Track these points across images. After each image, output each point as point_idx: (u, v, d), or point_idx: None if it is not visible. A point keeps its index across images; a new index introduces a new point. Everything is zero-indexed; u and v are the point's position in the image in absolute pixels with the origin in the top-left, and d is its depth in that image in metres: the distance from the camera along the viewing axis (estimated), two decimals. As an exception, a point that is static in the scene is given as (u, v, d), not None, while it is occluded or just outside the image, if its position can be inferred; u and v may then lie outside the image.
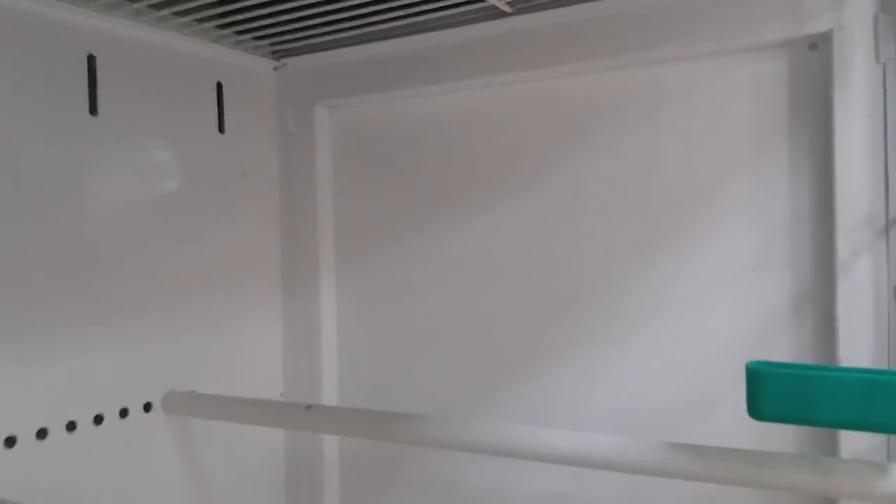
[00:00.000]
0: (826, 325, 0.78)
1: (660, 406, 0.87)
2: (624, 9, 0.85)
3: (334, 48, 1.04)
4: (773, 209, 0.81)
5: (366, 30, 0.95)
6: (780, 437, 0.79)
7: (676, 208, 0.86)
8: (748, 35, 0.80)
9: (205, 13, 0.88)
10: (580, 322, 0.92)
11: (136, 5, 0.84)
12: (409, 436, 0.76)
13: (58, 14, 0.81)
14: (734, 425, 0.78)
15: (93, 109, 0.84)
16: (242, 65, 1.05)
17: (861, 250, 0.74)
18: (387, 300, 1.06)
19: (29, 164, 0.78)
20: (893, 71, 0.74)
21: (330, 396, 1.09)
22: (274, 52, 1.08)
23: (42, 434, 0.79)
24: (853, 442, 0.73)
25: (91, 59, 0.84)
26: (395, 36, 0.99)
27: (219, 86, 1.01)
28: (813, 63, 0.79)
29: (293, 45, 1.03)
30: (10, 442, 0.76)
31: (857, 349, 0.73)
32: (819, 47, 0.79)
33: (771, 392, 0.56)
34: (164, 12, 0.86)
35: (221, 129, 1.01)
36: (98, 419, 0.84)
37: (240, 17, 0.89)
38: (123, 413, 0.87)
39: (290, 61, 1.09)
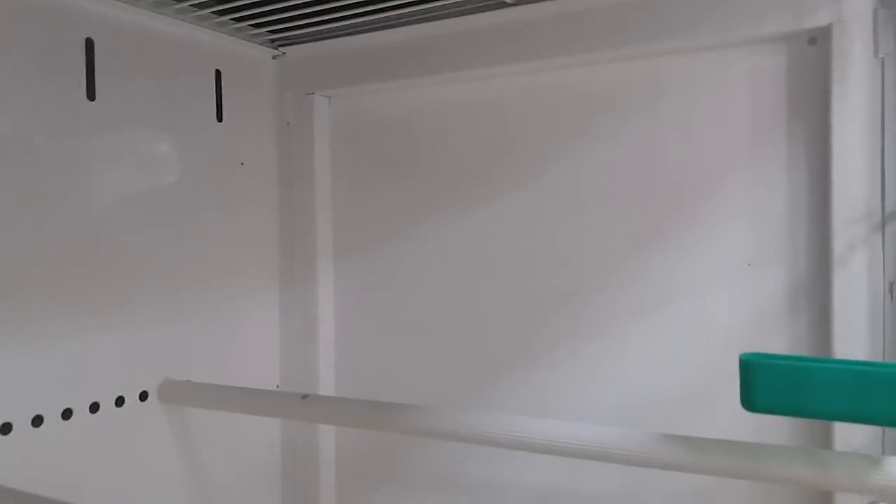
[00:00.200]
0: (822, 320, 0.78)
1: (656, 399, 0.87)
2: (624, 1, 0.85)
3: (334, 37, 1.03)
4: (771, 203, 0.82)
5: (365, 18, 0.95)
6: (776, 430, 0.79)
7: (675, 201, 0.87)
8: (747, 28, 0.80)
9: None
10: (577, 315, 0.92)
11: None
12: (405, 426, 0.77)
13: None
14: (730, 419, 0.79)
15: (90, 95, 0.84)
16: (241, 53, 1.05)
17: (857, 245, 0.74)
18: (384, 291, 1.06)
19: (26, 150, 0.77)
20: (892, 65, 0.74)
21: (327, 387, 1.09)
22: (273, 41, 1.07)
23: (38, 421, 0.78)
24: (848, 434, 0.74)
25: (89, 44, 0.84)
26: (396, 25, 0.98)
27: (217, 73, 1.01)
28: (812, 57, 0.80)
29: (292, 32, 1.02)
30: (6, 428, 0.75)
31: (852, 343, 0.74)
32: (818, 41, 0.79)
33: (764, 383, 0.56)
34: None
35: (220, 118, 1.01)
36: (94, 407, 0.84)
37: (237, 3, 0.88)
38: (119, 401, 0.87)
39: (289, 50, 1.09)
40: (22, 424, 0.77)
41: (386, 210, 1.06)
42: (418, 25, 0.97)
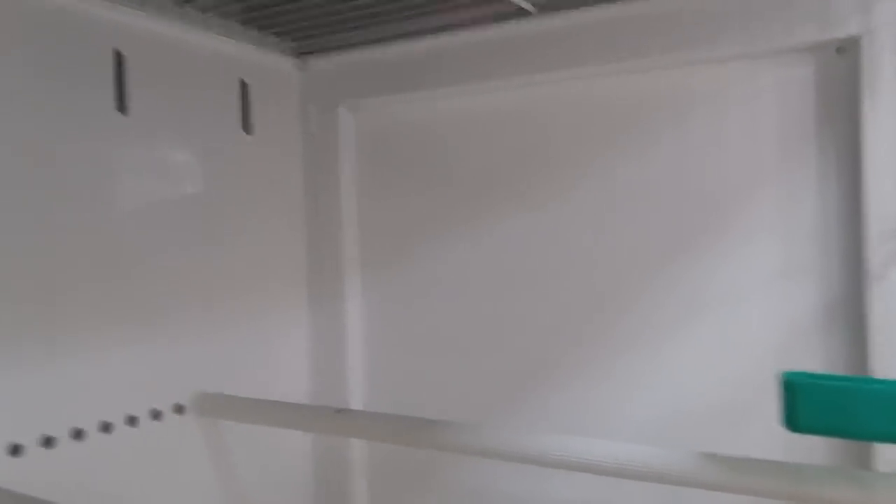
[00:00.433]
0: (856, 335, 0.78)
1: (688, 413, 0.87)
2: (650, 10, 0.85)
3: (357, 47, 1.03)
4: (802, 215, 0.82)
5: (389, 29, 0.95)
6: (810, 446, 0.79)
7: (705, 212, 0.87)
8: (775, 39, 0.80)
9: (226, 7, 0.87)
10: (609, 329, 0.92)
11: (161, 0, 0.83)
12: (443, 443, 0.77)
13: (85, 8, 0.80)
14: (763, 434, 0.78)
15: (120, 107, 0.84)
16: (266, 63, 1.04)
17: (893, 259, 0.74)
18: (413, 303, 1.07)
19: (56, 163, 0.78)
20: (924, 75, 0.74)
21: (356, 399, 1.09)
22: (297, 51, 1.07)
23: (78, 435, 0.79)
24: (891, 453, 0.73)
25: (118, 56, 0.84)
26: (420, 36, 0.98)
27: (243, 84, 1.01)
28: (841, 67, 0.80)
29: (315, 42, 1.02)
30: (49, 442, 0.76)
31: (891, 359, 0.73)
32: (847, 51, 0.79)
33: (808, 404, 0.56)
34: (187, 8, 0.86)
35: (247, 130, 1.01)
36: (132, 420, 0.85)
37: (261, 12, 0.88)
38: (156, 414, 0.88)
39: (313, 60, 1.08)
40: (64, 438, 0.78)
41: (413, 221, 1.06)
42: (443, 36, 0.97)
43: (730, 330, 0.85)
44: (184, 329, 0.91)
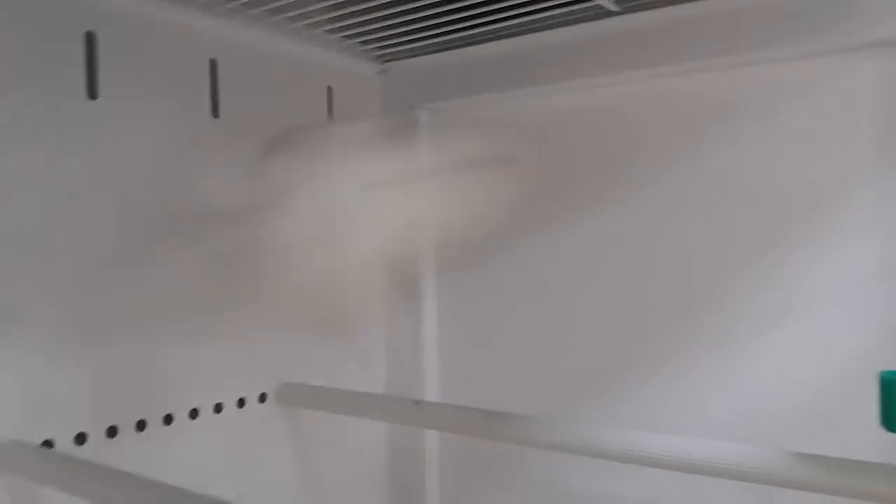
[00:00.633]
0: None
1: (773, 415, 0.84)
2: (736, 5, 0.83)
3: (437, 51, 1.06)
4: (892, 214, 0.78)
5: (470, 32, 0.97)
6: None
7: (794, 212, 0.84)
8: (871, 31, 0.77)
9: (316, 18, 0.91)
10: (692, 327, 0.90)
11: (253, 11, 0.88)
12: (520, 435, 0.77)
13: (183, 20, 0.86)
14: (852, 437, 0.75)
15: (215, 112, 0.89)
16: (349, 69, 1.08)
17: None
18: (489, 299, 1.07)
19: (153, 164, 0.83)
20: None
21: (430, 392, 1.11)
22: (378, 56, 1.11)
23: (168, 420, 0.83)
24: None
25: (213, 64, 0.89)
26: (499, 38, 1.00)
27: (329, 90, 1.05)
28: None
29: (397, 48, 1.05)
30: (141, 426, 0.81)
31: None
32: (951, 42, 0.75)
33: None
34: (279, 18, 0.90)
35: (330, 132, 1.05)
36: (218, 407, 0.89)
37: (348, 21, 0.92)
38: (241, 402, 0.91)
39: (394, 65, 1.12)
40: (155, 423, 0.82)
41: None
42: (522, 37, 0.98)
43: (819, 330, 0.82)
44: (271, 323, 0.95)
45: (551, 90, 0.99)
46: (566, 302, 1.00)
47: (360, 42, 1.02)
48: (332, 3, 0.84)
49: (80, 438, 0.75)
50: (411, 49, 1.06)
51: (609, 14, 0.90)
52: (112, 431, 0.78)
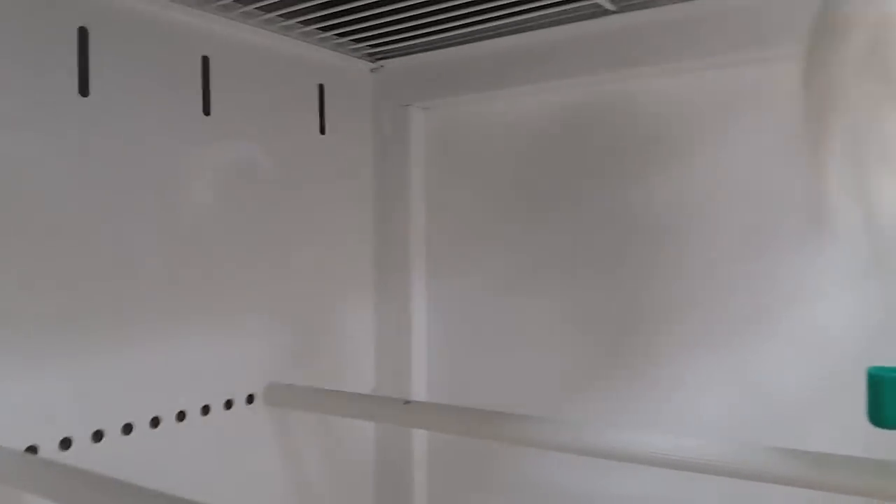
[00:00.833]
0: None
1: (762, 412, 0.85)
2: (734, 5, 0.83)
3: (431, 49, 1.05)
4: (888, 210, 0.78)
5: (464, 30, 0.96)
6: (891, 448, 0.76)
7: (787, 209, 0.84)
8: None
9: (309, 16, 0.90)
10: (681, 324, 0.90)
11: (246, 8, 0.87)
12: (511, 435, 0.77)
13: (175, 16, 0.84)
14: (841, 433, 0.76)
15: (206, 110, 0.87)
16: (341, 66, 1.07)
17: None
18: (479, 298, 1.07)
19: (143, 162, 0.81)
20: None
21: (419, 392, 1.10)
22: (371, 54, 1.09)
23: (155, 422, 0.82)
24: None
25: (205, 61, 0.87)
26: (494, 36, 0.99)
27: (320, 87, 1.04)
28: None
29: (390, 46, 1.04)
30: (127, 429, 0.79)
31: None
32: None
33: (894, 398, 0.54)
34: (271, 15, 0.89)
35: (322, 131, 1.04)
36: (205, 409, 0.88)
37: (342, 19, 0.91)
38: (228, 404, 0.90)
39: (387, 63, 1.11)
40: (141, 426, 0.81)
41: (480, 217, 1.07)
42: (516, 35, 0.97)
43: (808, 327, 0.82)
44: (257, 323, 0.94)
45: (545, 88, 0.99)
46: (554, 300, 1.00)
47: (352, 40, 1.01)
48: (324, 0, 0.83)
49: (66, 443, 0.74)
50: (404, 47, 1.05)
51: (606, 13, 0.90)
52: (98, 435, 0.77)
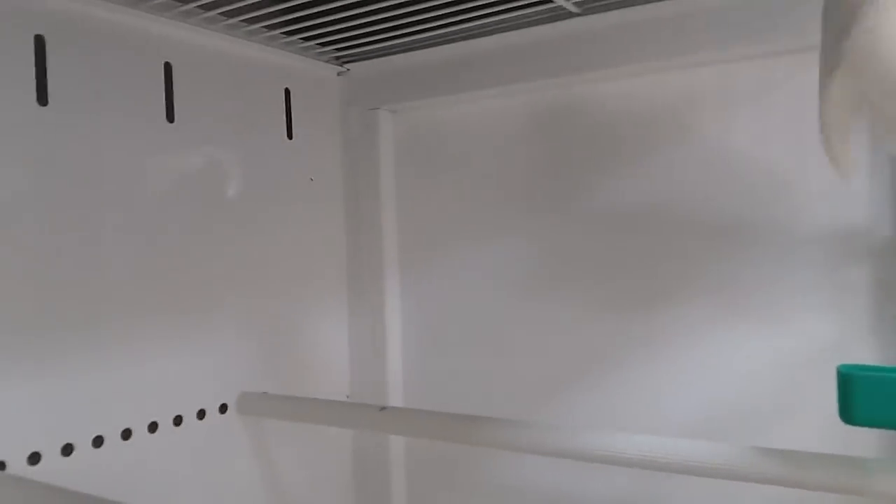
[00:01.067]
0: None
1: (734, 411, 0.86)
2: (697, 7, 0.84)
3: (397, 52, 1.05)
4: (854, 209, 0.80)
5: (430, 34, 0.96)
6: (865, 444, 0.77)
7: (753, 209, 0.85)
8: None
9: (273, 21, 0.89)
10: (653, 324, 0.91)
11: (209, 14, 0.86)
12: (487, 439, 0.77)
13: (136, 23, 0.83)
14: (812, 430, 0.77)
15: (170, 117, 0.86)
16: (308, 71, 1.07)
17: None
18: (451, 302, 1.07)
19: (108, 170, 0.80)
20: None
21: (395, 397, 1.10)
22: (338, 58, 1.09)
23: (126, 434, 0.81)
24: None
25: (167, 68, 0.86)
26: (459, 39, 0.99)
27: (287, 92, 1.03)
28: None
29: (357, 50, 1.04)
30: (98, 441, 0.78)
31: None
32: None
33: (864, 396, 0.55)
34: (234, 20, 0.88)
35: (290, 136, 1.03)
36: (178, 420, 0.86)
37: (307, 23, 0.90)
38: (201, 414, 0.89)
39: (353, 66, 1.10)
40: (112, 438, 0.80)
41: (452, 220, 1.07)
42: (483, 38, 0.98)
43: (778, 326, 0.83)
44: (228, 331, 0.93)
45: (512, 91, 0.99)
46: (528, 304, 1.00)
47: (318, 44, 1.00)
48: (289, 4, 0.83)
49: (34, 458, 0.73)
50: (370, 50, 1.05)
51: (570, 15, 0.90)
52: (68, 449, 0.76)
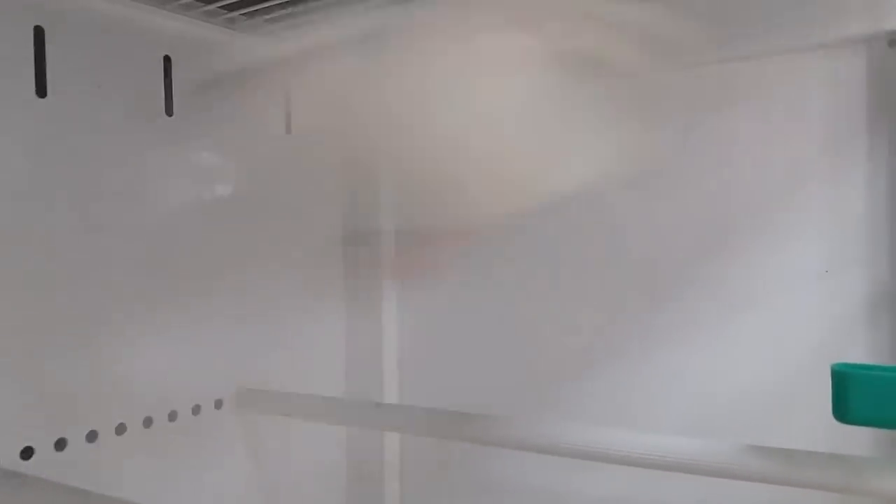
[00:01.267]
0: (905, 328, 0.76)
1: (730, 408, 0.85)
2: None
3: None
4: (849, 210, 0.80)
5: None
6: (859, 443, 0.77)
7: (749, 208, 0.85)
8: (824, 32, 0.79)
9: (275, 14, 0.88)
10: (650, 321, 0.91)
11: (208, 7, 0.85)
12: (483, 436, 0.77)
13: (136, 15, 0.83)
14: (808, 429, 0.77)
15: (168, 111, 0.86)
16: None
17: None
18: (448, 297, 1.07)
19: (100, 162, 0.80)
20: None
21: (391, 394, 1.10)
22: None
23: (121, 429, 0.81)
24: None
25: (167, 61, 0.86)
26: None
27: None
28: (894, 60, 0.77)
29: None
30: (92, 436, 0.78)
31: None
32: (900, 44, 0.77)
33: (858, 395, 0.55)
34: (234, 14, 0.88)
35: (288, 129, 1.03)
36: (172, 415, 0.86)
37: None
38: (196, 409, 0.89)
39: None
40: (107, 433, 0.79)
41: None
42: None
43: (773, 323, 0.83)
44: (224, 326, 0.93)
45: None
46: (525, 300, 1.00)
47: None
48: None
49: (27, 453, 0.72)
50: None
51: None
52: (61, 444, 0.75)
